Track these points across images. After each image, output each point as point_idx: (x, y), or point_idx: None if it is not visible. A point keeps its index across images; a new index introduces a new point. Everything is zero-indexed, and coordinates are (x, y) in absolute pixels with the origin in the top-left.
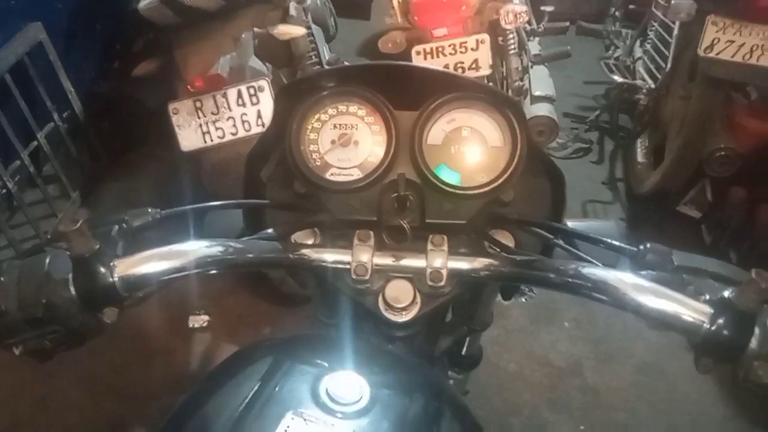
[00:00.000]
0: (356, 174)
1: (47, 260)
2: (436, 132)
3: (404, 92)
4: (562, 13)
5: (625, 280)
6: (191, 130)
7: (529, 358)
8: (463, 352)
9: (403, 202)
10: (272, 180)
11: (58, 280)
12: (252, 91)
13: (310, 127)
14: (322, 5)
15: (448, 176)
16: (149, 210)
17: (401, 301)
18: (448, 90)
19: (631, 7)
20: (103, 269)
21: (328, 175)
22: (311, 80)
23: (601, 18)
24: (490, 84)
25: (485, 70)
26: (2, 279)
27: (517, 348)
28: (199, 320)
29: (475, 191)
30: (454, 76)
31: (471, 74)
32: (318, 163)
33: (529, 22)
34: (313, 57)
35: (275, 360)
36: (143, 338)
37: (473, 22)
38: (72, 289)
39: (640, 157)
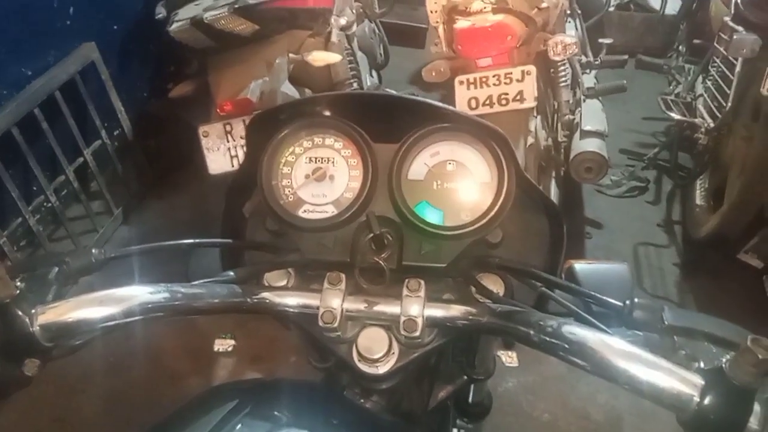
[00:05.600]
0: (330, 211)
1: None
2: (418, 166)
3: (384, 124)
4: (621, 45)
5: (605, 342)
6: (220, 154)
7: (565, 408)
8: (470, 401)
9: (379, 242)
10: (254, 216)
11: None
12: None
13: (283, 160)
14: (370, 33)
15: (430, 214)
16: (93, 251)
17: (375, 352)
18: (431, 121)
19: (696, 41)
20: (22, 317)
21: (300, 212)
22: (284, 110)
23: (664, 52)
24: (537, 117)
25: (530, 103)
26: None
27: (552, 397)
28: (224, 344)
29: (457, 231)
30: (436, 107)
31: (515, 106)
32: (290, 199)
33: (585, 54)
34: (354, 84)
35: (238, 405)
36: (168, 358)
37: (519, 52)
38: None
39: (698, 200)
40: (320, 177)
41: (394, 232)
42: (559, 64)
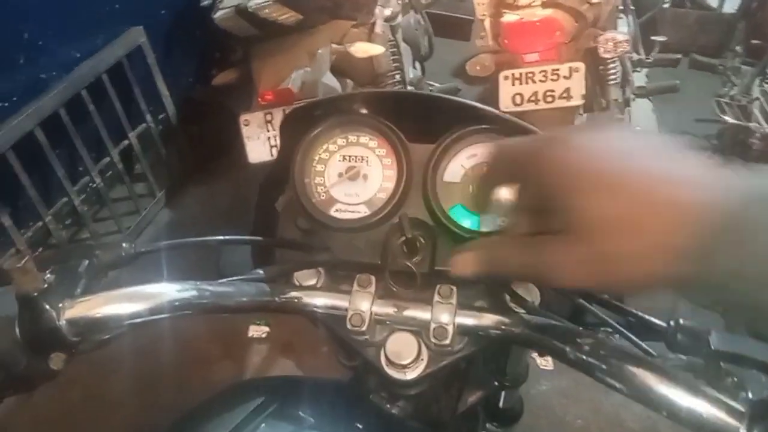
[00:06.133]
0: (363, 211)
1: None
2: (455, 168)
3: (421, 123)
4: (675, 44)
5: (646, 366)
6: (260, 143)
7: (599, 415)
8: (500, 405)
9: (412, 246)
10: (286, 212)
11: (1, 321)
12: None
13: (317, 157)
14: (415, 24)
15: (465, 218)
16: (123, 245)
17: (404, 357)
18: (470, 122)
19: (755, 41)
20: (49, 311)
21: (332, 211)
22: (319, 106)
23: (720, 52)
24: (583, 116)
25: (577, 100)
26: None
27: (586, 402)
28: (259, 330)
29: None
30: (475, 108)
31: (561, 103)
32: (323, 198)
33: (636, 52)
34: (396, 76)
35: (265, 401)
36: (202, 342)
37: (568, 48)
38: (17, 330)
39: None
40: (354, 176)
41: (426, 236)
42: (609, 61)
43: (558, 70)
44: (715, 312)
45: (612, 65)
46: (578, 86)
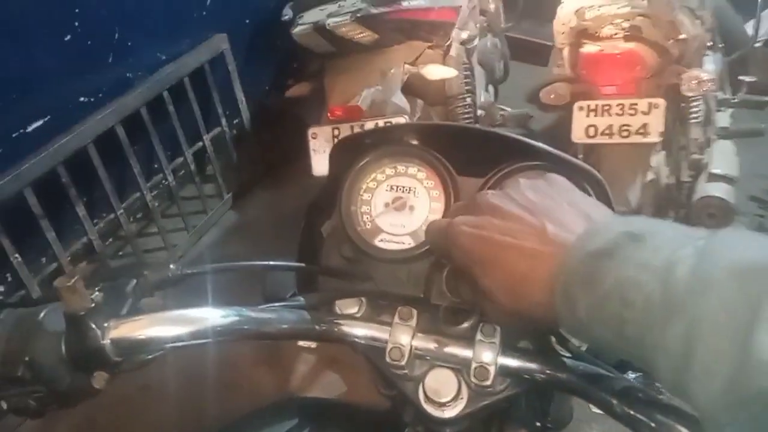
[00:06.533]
0: (408, 242)
1: (42, 314)
2: None
3: (472, 156)
4: (765, 85)
5: (687, 424)
6: (325, 157)
7: None
8: None
9: (455, 279)
10: (331, 238)
11: (48, 337)
12: None
13: (364, 186)
14: (492, 47)
15: None
16: (170, 266)
17: (443, 395)
18: (521, 157)
19: None
20: (95, 330)
21: (377, 241)
22: (370, 135)
23: None
24: (661, 153)
25: (654, 137)
26: None
27: None
28: (307, 342)
29: None
30: (527, 144)
31: (637, 139)
32: (368, 227)
33: (722, 91)
34: (468, 99)
35: (301, 421)
36: (251, 343)
37: (648, 83)
38: (63, 348)
39: None
40: (400, 206)
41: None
42: (691, 99)
43: (636, 104)
44: None
45: (695, 103)
46: (657, 123)
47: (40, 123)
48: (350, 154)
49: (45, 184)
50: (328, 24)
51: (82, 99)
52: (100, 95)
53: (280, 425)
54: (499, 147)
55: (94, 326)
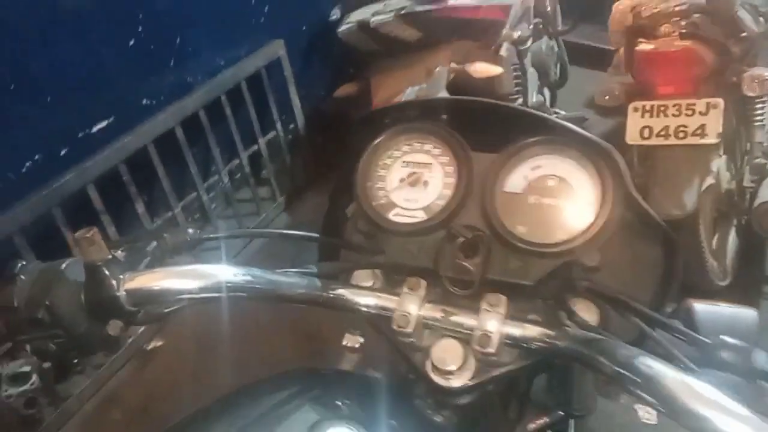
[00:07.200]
0: (420, 216)
1: (64, 265)
2: (517, 179)
3: (487, 132)
4: None
5: (683, 382)
6: None
7: None
8: None
9: (472, 248)
10: (354, 217)
11: (68, 285)
12: None
13: (381, 163)
14: (547, 50)
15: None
16: (189, 230)
17: (448, 364)
18: (536, 132)
19: None
20: (110, 279)
21: (391, 215)
22: (387, 113)
23: None
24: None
25: (712, 139)
26: (22, 277)
27: None
28: (353, 340)
29: (549, 249)
30: (543, 118)
31: (694, 140)
32: (383, 202)
33: None
34: (519, 99)
35: (311, 392)
36: (272, 314)
37: (707, 83)
38: (82, 296)
39: None
40: (414, 182)
41: (481, 244)
42: (755, 100)
43: (694, 105)
44: None
45: (759, 105)
46: (715, 124)
47: (104, 124)
48: (369, 133)
49: (107, 181)
50: (372, 22)
51: (144, 101)
52: (162, 98)
53: (292, 393)
54: (513, 121)
55: (110, 276)
